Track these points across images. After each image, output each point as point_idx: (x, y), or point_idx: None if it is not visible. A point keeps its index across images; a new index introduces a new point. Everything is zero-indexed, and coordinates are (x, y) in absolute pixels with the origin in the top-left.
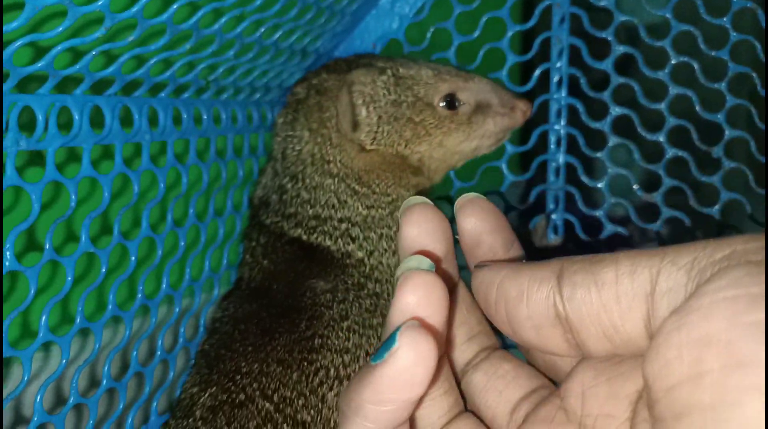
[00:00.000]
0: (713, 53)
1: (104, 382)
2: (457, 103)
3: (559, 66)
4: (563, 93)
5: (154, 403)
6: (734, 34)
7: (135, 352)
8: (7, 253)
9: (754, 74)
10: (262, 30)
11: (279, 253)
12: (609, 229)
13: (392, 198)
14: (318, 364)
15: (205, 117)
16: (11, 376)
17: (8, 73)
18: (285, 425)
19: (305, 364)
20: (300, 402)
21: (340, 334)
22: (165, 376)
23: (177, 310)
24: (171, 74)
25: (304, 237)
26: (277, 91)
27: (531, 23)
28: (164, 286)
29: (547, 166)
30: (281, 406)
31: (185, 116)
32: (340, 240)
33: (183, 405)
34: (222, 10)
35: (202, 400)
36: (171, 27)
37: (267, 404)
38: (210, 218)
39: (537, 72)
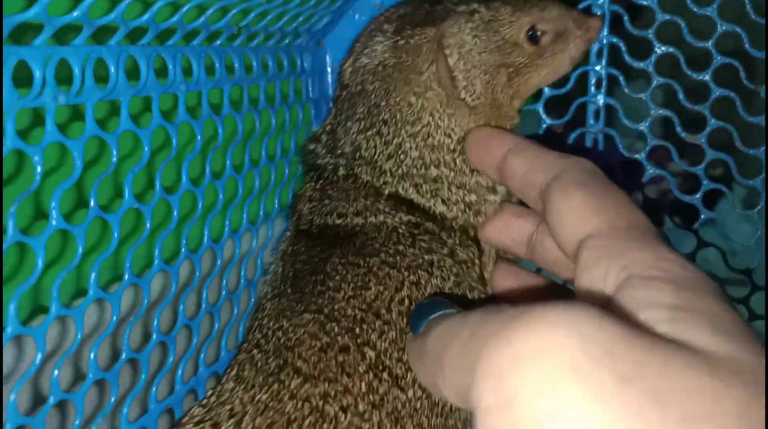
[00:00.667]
0: None
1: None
2: (538, 36)
3: (601, 2)
4: (604, 31)
5: (202, 355)
6: None
7: (182, 305)
8: (54, 211)
9: None
10: None
11: (387, 208)
12: (650, 172)
13: None
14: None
15: (237, 65)
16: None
17: (42, 25)
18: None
19: (402, 323)
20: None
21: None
22: (210, 329)
23: (219, 262)
24: (204, 21)
25: (416, 198)
26: (306, 36)
27: None
28: (206, 238)
29: (586, 108)
30: (382, 356)
31: (218, 65)
32: (455, 207)
33: (275, 337)
34: None
35: (300, 336)
36: None
37: (370, 351)
38: (246, 169)
39: (579, 7)
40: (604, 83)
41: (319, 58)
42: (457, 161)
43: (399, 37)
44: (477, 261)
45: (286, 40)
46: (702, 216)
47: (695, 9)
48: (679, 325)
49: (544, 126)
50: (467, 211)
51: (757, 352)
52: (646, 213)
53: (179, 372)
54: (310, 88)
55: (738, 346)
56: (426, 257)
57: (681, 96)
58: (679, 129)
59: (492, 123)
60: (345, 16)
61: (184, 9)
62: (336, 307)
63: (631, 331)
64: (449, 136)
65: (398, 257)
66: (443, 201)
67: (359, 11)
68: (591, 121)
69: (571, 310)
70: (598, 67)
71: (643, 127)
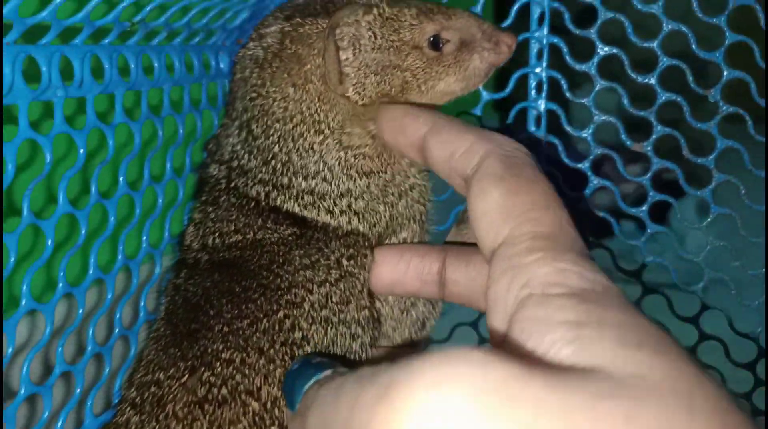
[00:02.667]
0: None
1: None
2: (441, 43)
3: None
4: (545, 31)
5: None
6: None
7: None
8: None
9: (757, 6)
10: None
11: (261, 222)
12: (594, 182)
13: (391, 158)
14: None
15: (132, 66)
16: None
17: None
18: None
19: (287, 360)
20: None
21: (320, 328)
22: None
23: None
24: (85, 15)
25: (297, 210)
26: (221, 33)
27: None
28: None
29: (527, 113)
30: (269, 405)
31: (107, 66)
32: (341, 216)
33: (149, 394)
34: None
35: (174, 390)
36: None
37: (254, 402)
38: (146, 185)
39: (515, 6)
40: (545, 87)
41: None
42: (338, 164)
43: (287, 24)
44: (368, 273)
45: (196, 38)
46: (648, 229)
47: (640, 6)
48: (583, 344)
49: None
50: (356, 219)
51: (669, 361)
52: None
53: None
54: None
55: (648, 358)
56: (307, 274)
57: (625, 101)
58: (623, 136)
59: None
60: (265, 12)
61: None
62: (212, 348)
63: (526, 371)
64: (327, 135)
65: (277, 278)
66: (327, 210)
67: (279, 4)
68: (532, 127)
69: (452, 364)
70: (538, 70)
71: (586, 134)
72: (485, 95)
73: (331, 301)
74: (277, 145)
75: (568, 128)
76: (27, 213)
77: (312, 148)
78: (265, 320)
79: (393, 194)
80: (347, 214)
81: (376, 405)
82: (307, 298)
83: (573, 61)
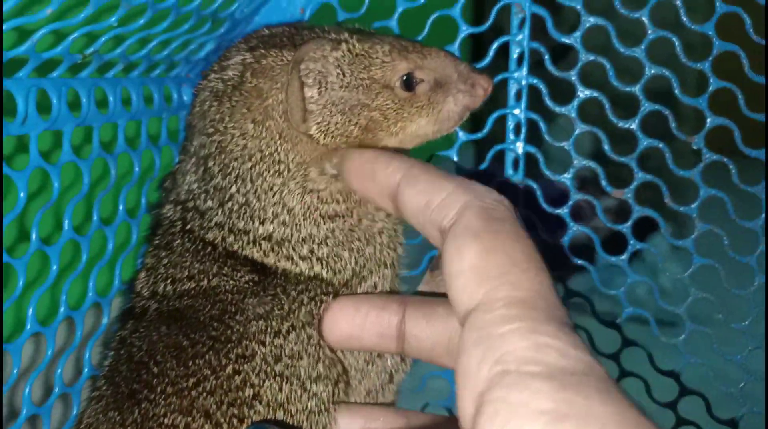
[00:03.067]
0: (696, 27)
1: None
2: (415, 83)
3: (520, 39)
4: (524, 71)
5: None
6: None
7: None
8: None
9: (742, 53)
10: None
11: (216, 268)
12: (573, 229)
13: (358, 202)
14: (251, 421)
15: (84, 100)
16: None
17: None
18: None
19: (236, 422)
20: None
21: (274, 384)
22: None
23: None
24: (30, 46)
25: (256, 256)
26: (185, 65)
27: None
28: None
29: (504, 156)
30: None
31: (54, 101)
32: (303, 262)
33: None
34: None
35: None
36: None
37: None
38: (94, 229)
39: (494, 45)
40: (523, 129)
41: None
42: (300, 208)
43: (250, 55)
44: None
45: (157, 70)
46: (629, 279)
47: (622, 49)
48: None
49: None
50: (318, 266)
51: None
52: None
53: None
54: None
55: None
56: (260, 325)
57: (606, 147)
58: (604, 182)
59: None
60: (233, 43)
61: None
62: (153, 412)
63: None
64: (288, 176)
65: (228, 330)
66: (287, 256)
67: None
68: (510, 170)
69: None
70: (516, 111)
71: (566, 178)
72: (461, 136)
73: (285, 354)
74: (234, 186)
75: (546, 172)
76: None
77: (271, 190)
78: (212, 378)
79: (359, 239)
80: (309, 260)
81: None
82: (258, 351)
83: (552, 103)
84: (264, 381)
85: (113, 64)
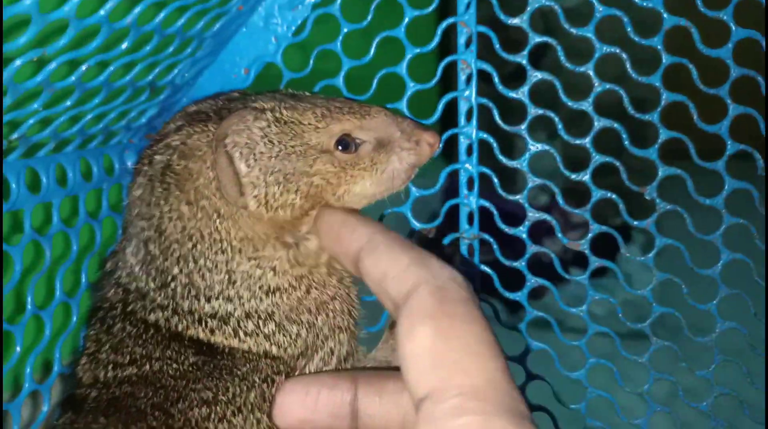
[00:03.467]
0: (644, 41)
1: None
2: (354, 144)
3: (468, 95)
4: (473, 126)
5: None
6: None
7: None
8: None
9: (691, 66)
10: (83, 69)
11: (159, 352)
12: (531, 282)
13: (306, 271)
14: None
15: (14, 185)
16: None
17: None
18: None
19: None
20: None
21: None
22: None
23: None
24: None
25: (202, 336)
26: (125, 132)
27: (432, 45)
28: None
29: (458, 210)
30: None
31: None
32: (249, 339)
33: None
34: (11, 54)
35: None
36: None
37: None
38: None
39: (441, 102)
40: (476, 184)
41: None
42: (243, 282)
43: (177, 137)
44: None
45: (94, 142)
46: (589, 294)
47: (570, 103)
48: None
49: (415, 229)
50: (266, 343)
51: None
52: None
53: None
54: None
55: None
56: (203, 411)
57: (560, 199)
58: (559, 235)
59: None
60: (178, 105)
61: None
62: None
63: None
64: (228, 253)
65: (169, 419)
66: (233, 334)
67: (195, 99)
68: (465, 224)
69: None
70: (468, 166)
71: (521, 232)
72: (414, 192)
73: None
74: (176, 267)
75: (502, 226)
76: None
77: (216, 267)
78: None
79: (309, 311)
80: (255, 336)
81: None
82: None
83: (504, 157)
84: None
85: (44, 144)
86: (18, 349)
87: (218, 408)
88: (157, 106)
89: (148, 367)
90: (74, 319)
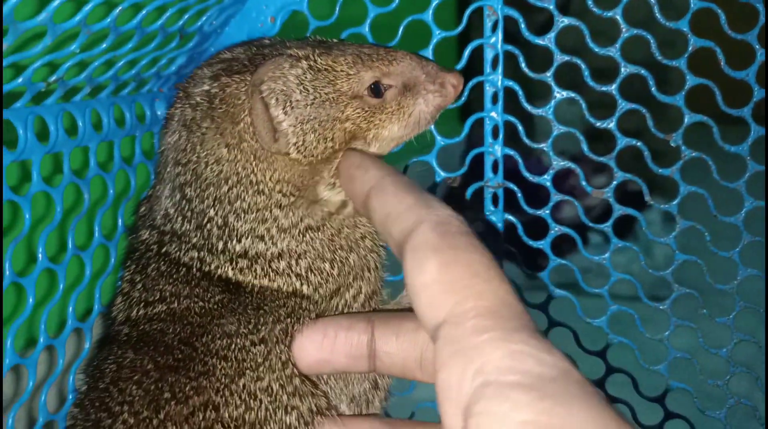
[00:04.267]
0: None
1: None
2: (383, 89)
3: (494, 42)
4: (498, 74)
5: None
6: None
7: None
8: None
9: (719, 11)
10: (118, 11)
11: (188, 290)
12: (554, 230)
13: (336, 211)
14: None
15: (52, 128)
16: None
17: None
18: None
19: None
20: None
21: (237, 401)
22: None
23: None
24: None
25: (231, 274)
26: (156, 80)
27: None
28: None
29: (483, 159)
30: None
31: (21, 131)
32: (279, 278)
33: None
34: None
35: None
36: None
37: None
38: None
39: (467, 49)
40: (501, 132)
41: None
42: (277, 222)
43: (216, 84)
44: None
45: (127, 89)
46: (613, 243)
47: (597, 49)
48: None
49: (438, 179)
50: (298, 282)
51: None
52: None
53: None
54: None
55: None
56: (224, 342)
57: (584, 147)
58: (584, 183)
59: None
60: (206, 55)
61: None
62: None
63: None
64: (265, 193)
65: (193, 352)
66: (264, 273)
67: (220, 48)
68: (490, 173)
69: None
70: (494, 114)
71: (545, 180)
72: (440, 140)
73: (250, 369)
74: (212, 209)
75: (526, 174)
76: None
77: (250, 209)
78: (173, 402)
79: (342, 248)
80: (286, 275)
81: None
82: (219, 366)
83: (529, 105)
84: (227, 399)
85: (80, 88)
86: (61, 287)
87: (238, 340)
88: (186, 55)
89: (176, 304)
90: (112, 261)
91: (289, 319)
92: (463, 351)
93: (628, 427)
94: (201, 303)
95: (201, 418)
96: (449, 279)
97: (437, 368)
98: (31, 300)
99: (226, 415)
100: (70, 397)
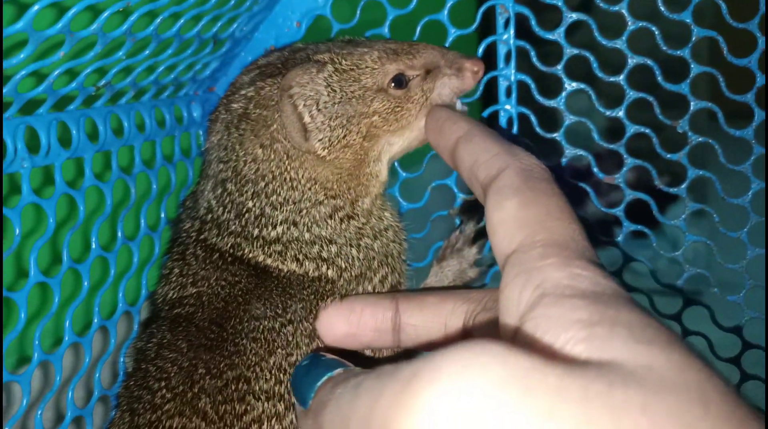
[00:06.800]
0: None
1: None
2: (405, 80)
3: (506, 38)
4: (512, 68)
5: None
6: None
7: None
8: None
9: (722, 3)
10: (158, 21)
11: (218, 275)
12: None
13: (366, 205)
14: (246, 418)
15: (101, 128)
16: None
17: None
18: None
19: (230, 418)
20: None
21: (268, 375)
22: None
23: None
24: (49, 85)
25: (262, 259)
26: (192, 84)
27: None
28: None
29: None
30: None
31: (74, 132)
32: (308, 263)
33: None
34: (100, 5)
35: None
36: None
37: None
38: (120, 244)
39: (482, 46)
40: (515, 124)
41: (213, 105)
42: (310, 213)
43: (252, 88)
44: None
45: (166, 92)
46: (627, 227)
47: (604, 42)
48: (596, 341)
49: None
50: (324, 266)
51: (679, 357)
52: None
53: None
54: (203, 139)
55: (659, 353)
56: (253, 324)
57: (595, 135)
58: (596, 169)
59: (357, 177)
60: (237, 59)
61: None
62: (152, 417)
63: (545, 362)
64: (299, 190)
65: (224, 332)
66: (294, 258)
67: (251, 53)
68: None
69: (475, 355)
70: (508, 106)
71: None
72: None
73: (279, 347)
74: (250, 201)
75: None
76: None
77: (286, 202)
78: (207, 377)
79: (368, 236)
80: (315, 261)
81: (399, 396)
82: (249, 346)
83: (542, 97)
84: (258, 374)
85: (124, 92)
86: (112, 273)
87: (266, 322)
88: (219, 59)
89: (205, 287)
90: (156, 250)
91: (314, 299)
92: (526, 271)
93: (668, 330)
94: (229, 287)
95: (233, 389)
96: (525, 215)
97: (501, 289)
98: (86, 284)
99: (257, 387)
100: (120, 373)
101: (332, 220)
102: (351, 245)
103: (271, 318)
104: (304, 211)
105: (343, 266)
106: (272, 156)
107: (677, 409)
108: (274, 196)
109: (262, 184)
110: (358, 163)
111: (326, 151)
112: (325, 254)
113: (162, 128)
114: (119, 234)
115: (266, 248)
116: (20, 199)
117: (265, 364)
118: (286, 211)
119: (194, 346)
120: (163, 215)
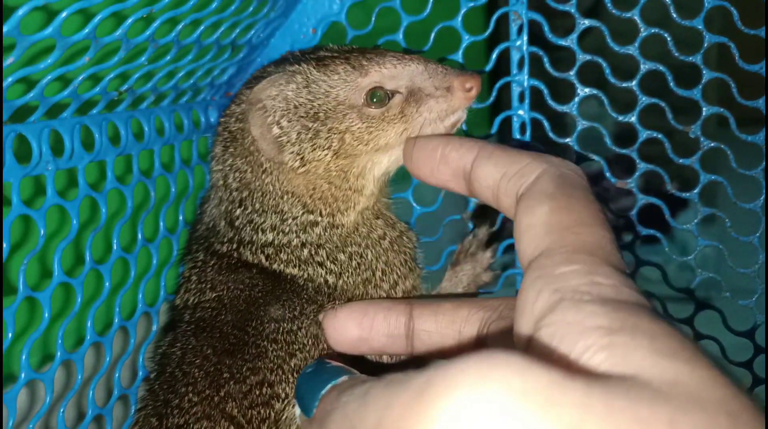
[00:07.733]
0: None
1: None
2: (387, 97)
3: (519, 44)
4: (525, 74)
5: None
6: None
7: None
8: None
9: (733, 9)
10: (179, 28)
11: (234, 279)
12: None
13: (350, 217)
14: (272, 419)
15: (123, 132)
16: None
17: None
18: None
19: (257, 422)
20: None
21: (290, 378)
22: None
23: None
24: (73, 90)
25: (266, 263)
26: (210, 89)
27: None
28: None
29: None
30: None
31: (97, 135)
32: (304, 266)
33: None
34: (125, 12)
35: None
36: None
37: None
38: (139, 247)
39: (495, 51)
40: (528, 129)
41: None
42: (293, 221)
43: (237, 100)
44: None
45: (185, 98)
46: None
47: (617, 49)
48: (617, 351)
49: None
50: (321, 270)
51: (703, 371)
52: None
53: None
54: None
55: (683, 367)
56: (273, 326)
57: (607, 141)
58: (608, 174)
59: (335, 189)
60: (253, 65)
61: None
62: (181, 421)
63: (564, 375)
64: (275, 200)
65: (245, 336)
66: (289, 261)
67: (267, 59)
68: None
69: (493, 367)
70: (521, 112)
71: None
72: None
73: (298, 350)
74: (238, 209)
75: None
76: (23, 287)
77: (269, 210)
78: (232, 382)
79: (357, 244)
80: (310, 264)
81: (411, 406)
82: (270, 348)
83: (554, 102)
84: (280, 377)
85: (145, 97)
86: (132, 274)
87: (284, 324)
88: (236, 65)
89: (224, 292)
90: (175, 252)
91: (325, 302)
92: (546, 275)
93: (689, 339)
94: (247, 291)
95: (258, 393)
96: (555, 220)
97: (519, 293)
98: (107, 285)
99: (280, 390)
100: (140, 373)
101: (317, 228)
102: (340, 251)
103: (289, 320)
104: (289, 220)
105: (338, 271)
106: (251, 168)
107: (706, 425)
108: (258, 205)
109: (246, 193)
110: (337, 178)
111: (297, 163)
112: (318, 258)
113: (180, 132)
114: (139, 236)
115: (262, 252)
116: (45, 201)
117: (287, 366)
118: (271, 219)
119: (218, 351)
120: (181, 218)
